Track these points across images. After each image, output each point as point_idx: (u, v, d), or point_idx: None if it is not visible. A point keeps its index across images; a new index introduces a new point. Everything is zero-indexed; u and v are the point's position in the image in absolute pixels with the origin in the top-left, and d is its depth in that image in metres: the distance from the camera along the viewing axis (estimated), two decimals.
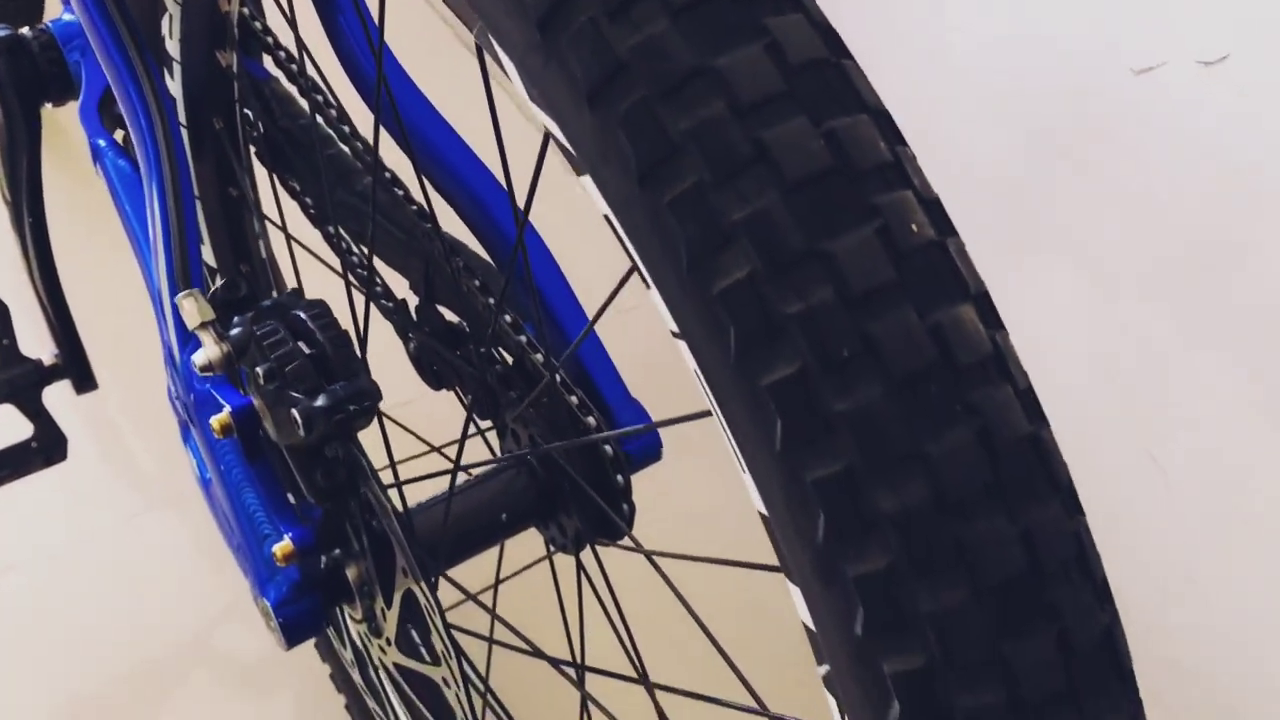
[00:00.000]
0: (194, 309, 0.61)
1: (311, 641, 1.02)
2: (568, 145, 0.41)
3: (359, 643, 0.73)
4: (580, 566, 0.77)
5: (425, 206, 0.79)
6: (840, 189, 0.36)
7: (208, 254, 0.85)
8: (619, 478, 0.73)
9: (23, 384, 1.03)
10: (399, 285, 0.85)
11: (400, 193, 0.82)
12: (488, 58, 0.45)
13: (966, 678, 0.36)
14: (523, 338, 0.75)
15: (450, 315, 0.80)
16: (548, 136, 0.42)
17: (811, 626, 0.38)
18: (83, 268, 1.24)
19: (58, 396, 1.04)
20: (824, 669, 0.39)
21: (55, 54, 0.92)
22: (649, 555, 0.68)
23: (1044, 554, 0.36)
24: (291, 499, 0.67)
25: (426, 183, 0.77)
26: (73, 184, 1.50)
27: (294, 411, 0.58)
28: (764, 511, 0.38)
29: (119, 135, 0.91)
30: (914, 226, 0.36)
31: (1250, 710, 0.95)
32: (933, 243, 0.36)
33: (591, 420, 0.73)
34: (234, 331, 0.61)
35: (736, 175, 0.35)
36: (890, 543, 0.35)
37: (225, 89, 0.84)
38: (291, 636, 0.68)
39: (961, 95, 0.93)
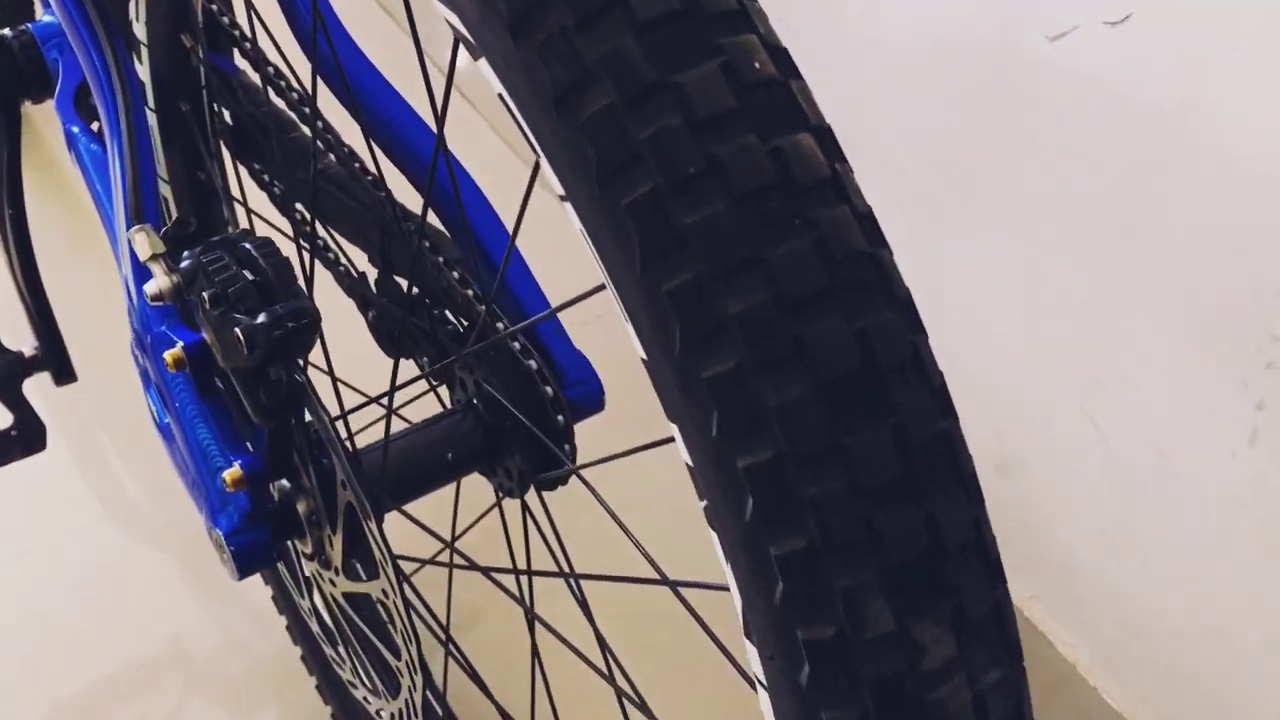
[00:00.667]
0: (145, 242, 0.65)
1: (297, 655, 1.06)
2: (467, 36, 0.45)
3: (311, 580, 0.76)
4: (525, 508, 0.81)
5: (378, 175, 0.83)
6: (688, 30, 0.40)
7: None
8: (559, 418, 0.76)
9: (3, 375, 1.07)
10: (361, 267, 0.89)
11: (356, 165, 0.87)
12: None
13: (810, 467, 0.39)
14: (470, 291, 0.79)
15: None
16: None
17: (678, 436, 0.42)
18: (63, 265, 1.29)
19: (37, 388, 1.08)
20: (703, 503, 0.43)
21: (35, 53, 0.97)
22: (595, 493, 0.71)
23: (880, 355, 0.40)
24: (241, 432, 0.71)
25: (376, 150, 0.82)
26: (52, 187, 1.56)
27: (237, 331, 0.62)
28: (633, 333, 0.42)
29: (95, 127, 0.96)
30: (757, 64, 0.40)
31: (1192, 648, 0.97)
32: (775, 79, 0.40)
33: (533, 363, 0.77)
34: (183, 263, 0.65)
35: (596, 18, 0.39)
36: (738, 343, 0.39)
37: (192, 74, 0.89)
38: (243, 565, 0.71)
39: (898, 73, 0.98)
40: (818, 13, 1.02)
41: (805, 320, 0.39)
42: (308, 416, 0.67)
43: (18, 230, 1.03)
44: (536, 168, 0.46)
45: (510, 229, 0.71)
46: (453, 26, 0.47)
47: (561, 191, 0.44)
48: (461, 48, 0.49)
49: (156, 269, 0.65)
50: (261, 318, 0.62)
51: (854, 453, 0.39)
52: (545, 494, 0.80)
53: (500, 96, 0.45)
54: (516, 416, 0.74)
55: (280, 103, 0.94)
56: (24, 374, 1.08)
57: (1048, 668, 1.09)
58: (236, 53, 0.98)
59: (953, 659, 0.41)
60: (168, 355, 0.68)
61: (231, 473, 0.68)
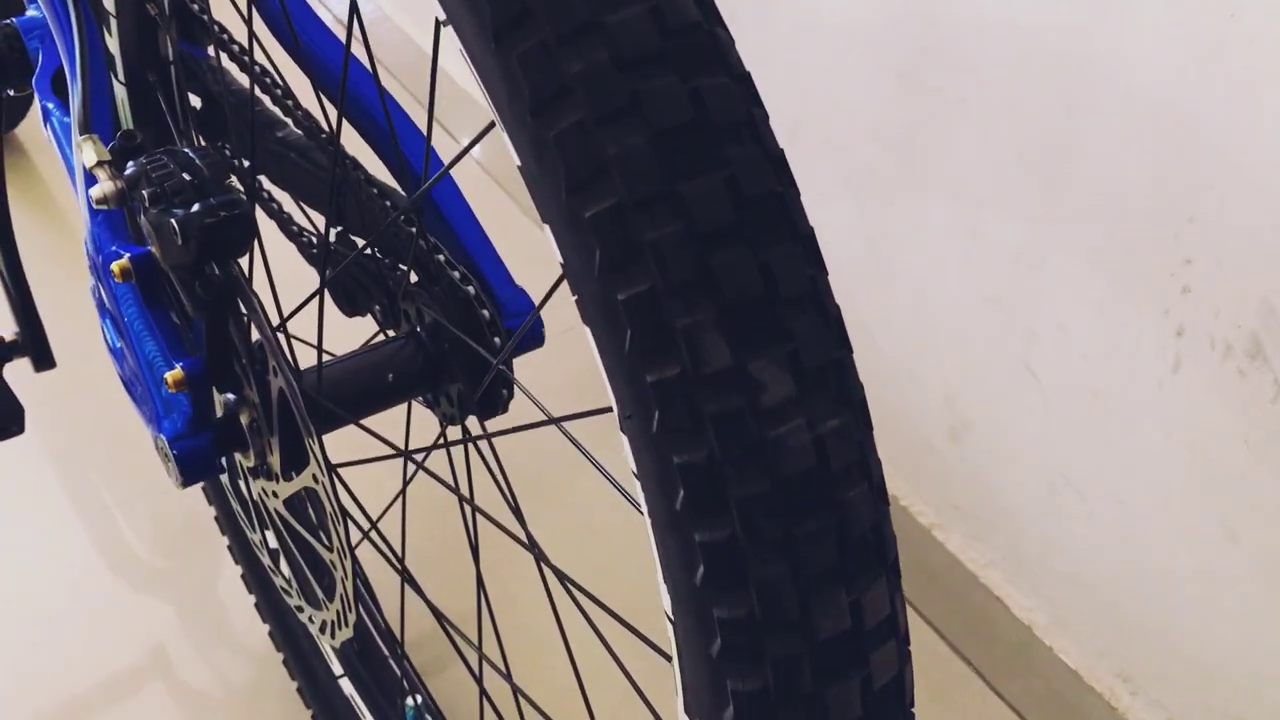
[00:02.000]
0: (92, 150, 0.70)
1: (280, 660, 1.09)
2: None
3: (254, 494, 0.79)
4: (466, 433, 0.83)
5: (329, 129, 0.88)
6: None
7: None
8: (496, 340, 0.80)
9: None
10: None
11: (312, 125, 0.92)
12: None
13: (648, 212, 0.42)
14: (385, 199, 0.83)
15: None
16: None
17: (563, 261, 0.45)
18: (44, 255, 1.33)
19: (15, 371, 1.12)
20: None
21: (18, 44, 1.03)
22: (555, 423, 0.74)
23: (715, 116, 0.43)
24: (185, 340, 0.74)
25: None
26: (34, 190, 1.62)
27: (172, 222, 0.66)
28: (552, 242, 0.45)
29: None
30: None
31: (1140, 595, 0.98)
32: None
33: (471, 289, 0.80)
34: (128, 171, 0.69)
35: None
36: (581, 102, 0.42)
37: (159, 50, 0.94)
38: (186, 471, 0.74)
39: (833, 47, 1.03)
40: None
41: (642, 78, 0.43)
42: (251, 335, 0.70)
43: (1, 218, 1.08)
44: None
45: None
46: None
47: (443, 17, 0.48)
48: None
49: (101, 175, 0.69)
50: (195, 208, 0.66)
51: (688, 199, 0.42)
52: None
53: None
54: (453, 332, 0.77)
55: (245, 80, 0.99)
56: (4, 359, 1.12)
57: (1007, 632, 1.10)
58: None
59: (791, 399, 0.43)
60: (115, 266, 0.72)
61: (174, 374, 0.71)
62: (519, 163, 0.47)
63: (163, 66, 0.95)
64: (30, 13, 1.07)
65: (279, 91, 0.90)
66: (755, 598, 0.44)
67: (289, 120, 0.96)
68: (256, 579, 1.12)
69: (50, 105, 0.98)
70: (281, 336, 0.77)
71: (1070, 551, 1.03)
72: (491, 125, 0.50)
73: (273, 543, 0.80)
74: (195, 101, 1.03)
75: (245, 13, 0.75)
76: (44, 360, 1.14)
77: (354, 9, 0.60)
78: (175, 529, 1.27)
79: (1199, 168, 0.81)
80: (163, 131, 0.96)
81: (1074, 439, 0.98)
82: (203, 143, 1.01)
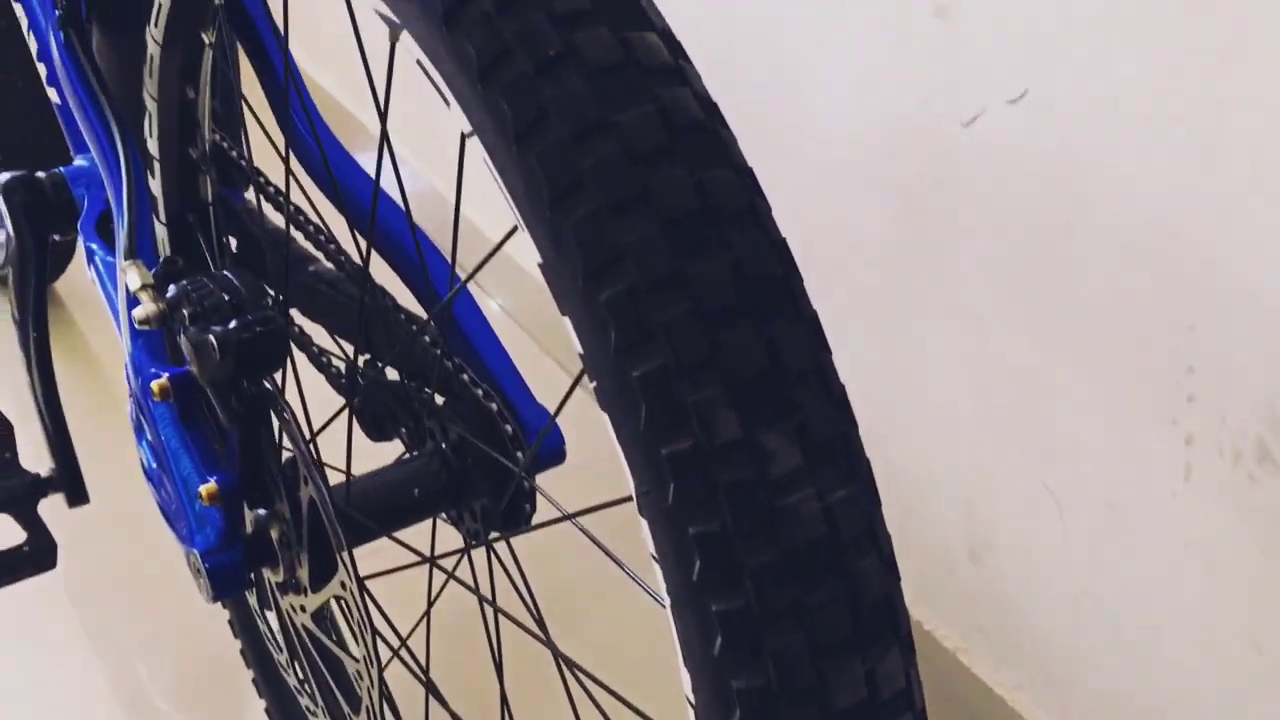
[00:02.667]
0: (136, 274, 0.74)
1: None
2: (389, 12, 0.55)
3: (282, 609, 0.80)
4: (490, 549, 0.85)
5: (361, 261, 0.92)
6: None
7: None
8: (519, 455, 0.82)
9: (20, 495, 1.13)
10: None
11: (342, 258, 0.96)
12: None
13: (660, 294, 0.45)
14: (437, 349, 0.87)
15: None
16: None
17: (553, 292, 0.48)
18: (81, 395, 1.37)
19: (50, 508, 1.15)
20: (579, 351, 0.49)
21: (65, 192, 1.09)
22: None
23: (720, 203, 0.46)
24: (219, 456, 0.77)
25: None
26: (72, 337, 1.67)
27: (211, 338, 0.69)
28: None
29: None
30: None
31: (1164, 712, 0.97)
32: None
33: (494, 406, 0.83)
34: (169, 293, 0.73)
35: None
36: (594, 190, 0.46)
37: (198, 192, 1.00)
38: (217, 586, 0.76)
39: (835, 173, 1.07)
40: (760, 120, 1.12)
41: (652, 171, 0.46)
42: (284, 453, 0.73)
43: (40, 353, 1.12)
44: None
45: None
46: (380, 14, 0.57)
47: (468, 129, 0.52)
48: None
49: (145, 297, 0.73)
50: (232, 324, 0.69)
51: (696, 281, 0.45)
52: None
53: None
54: (478, 446, 0.80)
55: (279, 221, 1.04)
56: (39, 494, 1.14)
57: None
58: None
59: (799, 469, 0.45)
60: (154, 385, 0.75)
61: (207, 487, 0.74)
62: (540, 260, 0.50)
63: (202, 208, 1.01)
64: (78, 162, 1.13)
65: (312, 228, 0.95)
66: (772, 667, 0.45)
67: (320, 255, 1.01)
68: (282, 711, 1.12)
69: (94, 246, 1.03)
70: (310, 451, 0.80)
71: (1098, 671, 1.02)
72: (514, 230, 0.53)
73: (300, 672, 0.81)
74: (231, 241, 1.08)
75: (284, 155, 0.79)
76: (78, 496, 1.16)
77: (383, 145, 0.65)
78: (199, 674, 1.28)
79: (1194, 278, 0.84)
80: (200, 268, 1.01)
81: (1094, 555, 0.99)
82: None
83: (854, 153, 1.07)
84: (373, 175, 0.76)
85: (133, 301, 0.74)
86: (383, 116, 0.63)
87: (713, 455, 0.45)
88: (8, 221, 1.07)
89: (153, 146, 0.96)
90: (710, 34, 1.14)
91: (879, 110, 1.03)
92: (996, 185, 0.96)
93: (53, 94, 1.14)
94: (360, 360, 0.95)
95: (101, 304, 1.03)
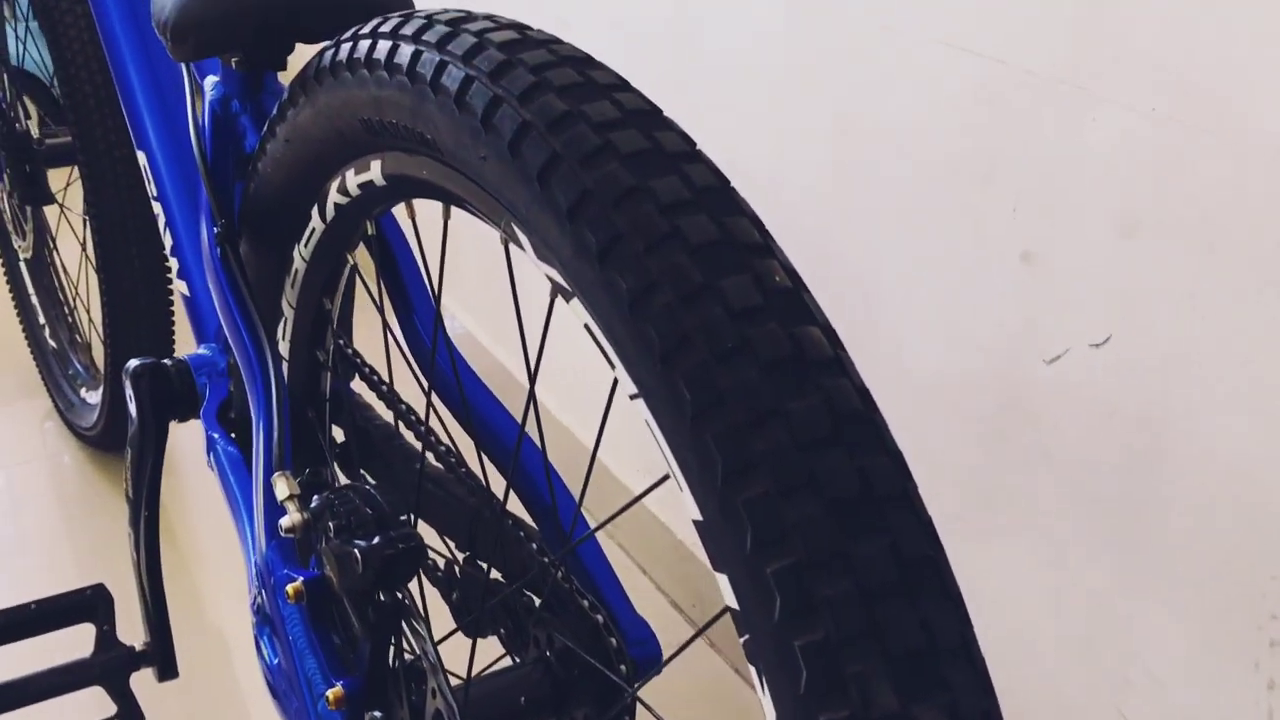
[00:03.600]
0: (285, 486, 0.79)
1: None
2: (562, 280, 0.61)
3: None
4: None
5: (482, 477, 0.97)
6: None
7: None
8: (622, 667, 0.85)
9: (115, 668, 1.17)
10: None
11: (453, 459, 1.01)
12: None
13: (823, 570, 0.50)
14: (533, 544, 0.91)
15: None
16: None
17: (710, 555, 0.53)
18: (182, 574, 1.40)
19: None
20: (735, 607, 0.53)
21: (189, 378, 1.15)
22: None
23: (878, 488, 0.51)
24: (345, 661, 0.81)
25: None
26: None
27: (355, 551, 0.74)
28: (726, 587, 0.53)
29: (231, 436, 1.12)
30: (776, 278, 0.54)
31: None
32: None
33: (599, 617, 0.87)
34: (314, 504, 0.78)
35: (660, 245, 0.54)
36: (767, 474, 0.51)
37: (318, 389, 1.06)
38: None
39: (925, 403, 1.12)
40: (846, 342, 1.18)
41: (817, 457, 0.51)
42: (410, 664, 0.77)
43: (149, 532, 1.17)
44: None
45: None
46: (553, 280, 0.63)
47: (634, 391, 0.58)
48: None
49: (291, 507, 0.78)
50: (376, 540, 0.74)
51: (858, 560, 0.50)
52: None
53: (587, 327, 0.60)
54: (584, 658, 0.83)
55: (389, 415, 1.10)
56: (132, 668, 1.18)
57: None
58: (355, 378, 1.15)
59: None
60: (289, 588, 0.80)
61: (334, 691, 0.77)
62: (699, 518, 0.54)
63: (320, 403, 1.07)
64: (200, 350, 1.19)
65: (444, 449, 0.99)
66: None
67: (429, 454, 1.06)
68: None
69: (215, 435, 1.09)
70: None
71: None
72: (665, 477, 0.58)
73: None
74: (338, 433, 1.14)
75: (425, 385, 0.85)
76: (169, 671, 1.20)
77: (530, 399, 0.70)
78: None
79: (1277, 529, 0.88)
80: (317, 459, 1.06)
81: None
82: (343, 474, 1.11)
83: (937, 379, 1.13)
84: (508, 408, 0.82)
85: (279, 510, 0.79)
86: (533, 376, 0.69)
87: None
88: (132, 405, 1.13)
89: (284, 348, 1.02)
90: (805, 259, 1.20)
91: (963, 342, 1.09)
92: (1078, 420, 1.00)
93: (182, 286, 1.22)
94: (461, 557, 0.99)
95: (198, 481, 1.08)
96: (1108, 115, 0.94)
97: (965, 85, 1.04)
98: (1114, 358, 0.96)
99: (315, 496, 0.78)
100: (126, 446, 1.15)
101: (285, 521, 0.78)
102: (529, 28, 0.67)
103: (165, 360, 1.16)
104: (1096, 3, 0.93)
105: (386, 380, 1.01)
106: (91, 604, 1.18)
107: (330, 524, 0.75)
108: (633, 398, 0.58)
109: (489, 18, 0.68)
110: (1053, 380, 1.01)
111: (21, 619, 1.15)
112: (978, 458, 1.10)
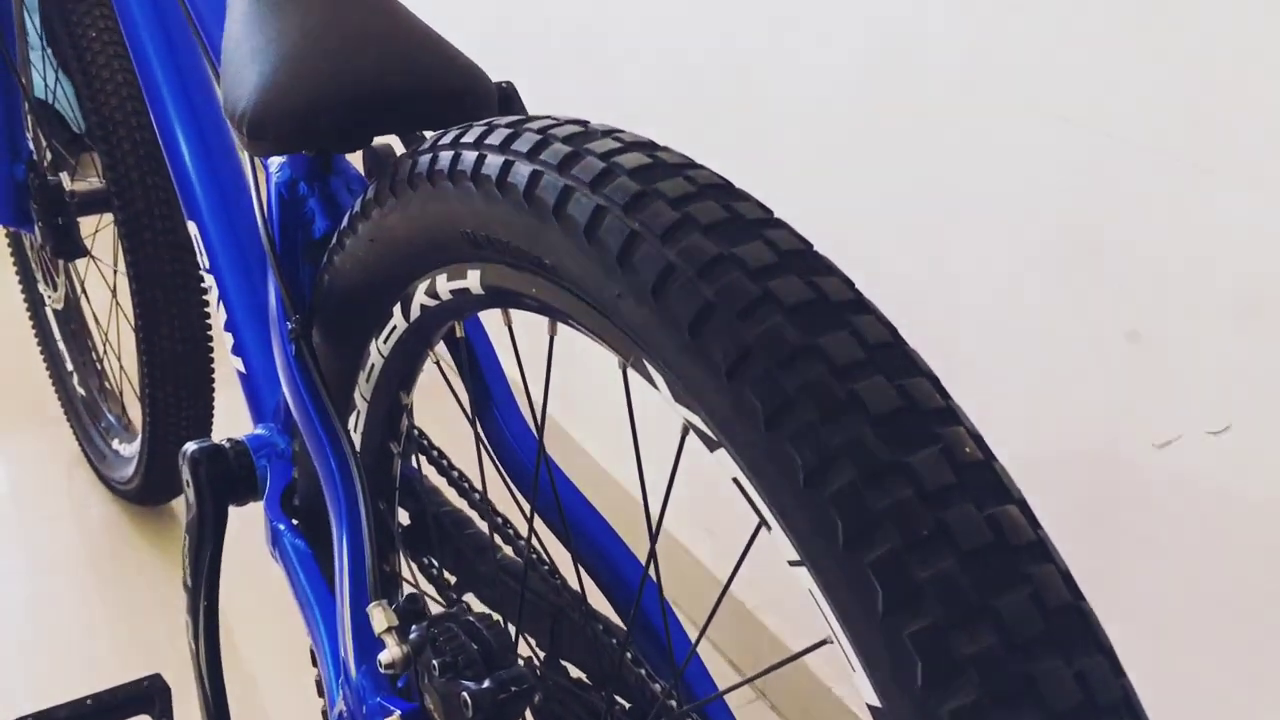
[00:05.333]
0: (382, 617, 0.74)
1: None
2: (707, 430, 0.56)
3: None
4: None
5: (576, 584, 0.92)
6: (913, 423, 0.50)
7: None
8: None
9: None
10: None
11: (535, 556, 0.97)
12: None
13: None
14: (642, 670, 0.86)
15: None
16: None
17: None
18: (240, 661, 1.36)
19: None
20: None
21: (247, 460, 1.10)
22: None
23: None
24: None
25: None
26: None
27: (465, 695, 0.69)
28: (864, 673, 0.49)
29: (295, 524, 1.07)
30: (966, 449, 0.50)
31: None
32: (982, 462, 0.50)
33: None
34: (413, 635, 0.73)
35: (838, 415, 0.50)
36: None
37: (388, 478, 1.01)
38: None
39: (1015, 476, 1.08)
40: None
41: (1032, 660, 0.46)
42: None
43: (209, 622, 1.12)
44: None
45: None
46: (692, 425, 0.58)
47: (796, 557, 0.53)
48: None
49: (390, 640, 0.73)
50: (486, 683, 0.69)
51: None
52: None
53: (735, 480, 0.55)
54: None
55: (462, 503, 1.05)
56: None
57: None
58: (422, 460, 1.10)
59: None
60: None
61: None
62: (878, 705, 0.50)
63: (390, 491, 1.02)
64: (258, 431, 1.15)
65: (536, 558, 0.94)
66: None
67: (507, 547, 1.01)
68: None
69: (281, 526, 1.04)
70: None
71: None
72: (825, 641, 0.53)
73: None
74: (403, 516, 1.09)
75: (528, 513, 0.81)
76: None
77: (653, 541, 0.65)
78: None
79: None
80: (385, 546, 1.02)
81: None
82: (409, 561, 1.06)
83: (1030, 451, 1.08)
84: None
85: (372, 639, 0.75)
86: (655, 523, 0.64)
87: None
88: (190, 491, 1.08)
89: (356, 439, 0.98)
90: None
91: (1060, 419, 1.04)
92: (1191, 509, 0.96)
93: (237, 363, 1.17)
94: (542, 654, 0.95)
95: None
96: (1225, 194, 0.89)
97: (1072, 158, 1.00)
98: (1235, 448, 0.92)
99: (414, 627, 0.73)
100: (184, 533, 1.10)
101: (385, 657, 0.73)
102: (659, 146, 0.62)
103: (223, 442, 1.11)
104: (1214, 82, 0.88)
105: (481, 489, 0.96)
106: (149, 696, 1.13)
107: (435, 663, 0.71)
108: (793, 564, 0.53)
109: (612, 134, 0.63)
110: (1162, 466, 0.97)
111: (80, 714, 1.10)
112: (1078, 540, 1.05)
